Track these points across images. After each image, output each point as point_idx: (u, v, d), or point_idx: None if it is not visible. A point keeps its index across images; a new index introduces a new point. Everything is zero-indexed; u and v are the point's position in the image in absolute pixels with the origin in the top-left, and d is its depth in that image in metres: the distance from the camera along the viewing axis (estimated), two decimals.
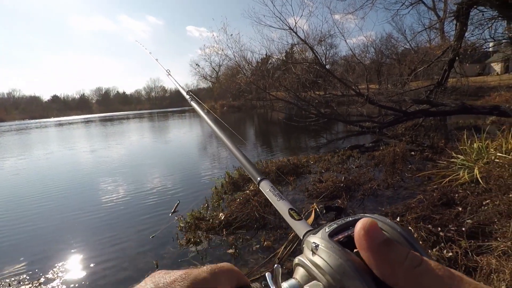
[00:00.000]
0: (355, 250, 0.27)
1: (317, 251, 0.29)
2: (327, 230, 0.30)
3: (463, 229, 2.82)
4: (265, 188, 0.53)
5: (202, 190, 5.34)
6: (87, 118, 58.62)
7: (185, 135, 16.62)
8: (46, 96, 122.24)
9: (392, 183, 4.67)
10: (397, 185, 4.63)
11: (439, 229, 2.90)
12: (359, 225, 0.27)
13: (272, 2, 10.30)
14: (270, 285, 0.31)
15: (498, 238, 2.52)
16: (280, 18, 10.63)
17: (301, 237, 0.36)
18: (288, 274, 0.36)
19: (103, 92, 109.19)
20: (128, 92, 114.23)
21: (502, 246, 2.35)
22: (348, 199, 4.22)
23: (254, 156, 8.17)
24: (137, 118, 41.64)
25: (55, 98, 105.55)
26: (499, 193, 3.21)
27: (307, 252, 0.30)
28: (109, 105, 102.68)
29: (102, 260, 3.27)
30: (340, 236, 0.30)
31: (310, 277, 0.29)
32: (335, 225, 0.31)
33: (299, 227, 0.41)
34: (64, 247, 3.63)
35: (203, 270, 0.30)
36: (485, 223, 2.84)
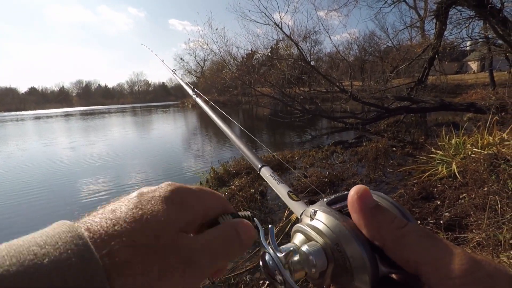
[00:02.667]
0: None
1: (315, 216, 0.30)
2: (325, 200, 0.32)
3: (441, 222, 2.93)
4: (266, 174, 0.58)
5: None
6: (66, 111, 56.66)
7: (170, 131, 16.37)
8: (23, 88, 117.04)
9: (374, 178, 4.78)
10: (379, 180, 4.75)
11: (419, 222, 2.99)
12: (353, 191, 0.29)
13: None
14: (262, 241, 0.32)
15: (474, 230, 2.63)
16: (265, 14, 10.61)
17: (299, 216, 0.37)
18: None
19: (83, 85, 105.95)
20: (110, 85, 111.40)
21: (477, 237, 2.45)
22: (332, 194, 4.28)
23: (239, 152, 8.15)
24: (120, 112, 40.63)
25: (32, 90, 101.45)
26: (474, 187, 3.34)
27: (306, 219, 0.32)
28: (90, 99, 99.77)
29: None
30: (337, 206, 0.31)
31: (308, 240, 0.30)
32: (333, 196, 0.33)
33: (297, 207, 0.43)
34: None
35: (192, 185, 0.30)
36: (461, 216, 2.95)
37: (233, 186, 4.57)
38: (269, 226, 0.32)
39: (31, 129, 22.83)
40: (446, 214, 3.07)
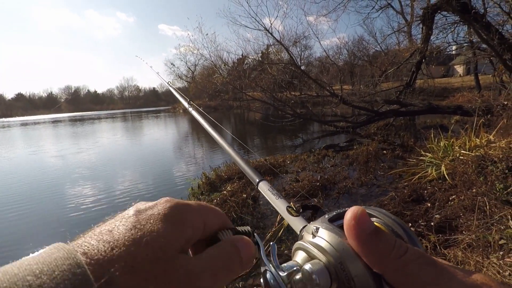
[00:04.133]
0: None
1: (318, 233, 0.30)
2: (326, 216, 0.31)
3: (432, 224, 2.95)
4: (264, 188, 0.57)
5: (178, 191, 5.23)
6: (55, 118, 55.62)
7: (161, 136, 16.22)
8: (9, 94, 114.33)
9: (365, 181, 4.81)
10: (370, 183, 4.78)
11: (410, 224, 3.01)
12: (348, 214, 0.27)
13: (247, 2, 10.27)
14: (263, 257, 0.31)
15: (464, 232, 2.66)
16: (255, 19, 10.65)
17: (299, 232, 0.37)
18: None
19: (72, 91, 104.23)
20: (99, 91, 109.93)
21: (467, 239, 2.48)
22: (324, 198, 4.29)
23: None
24: (110, 118, 40.10)
25: (19, 97, 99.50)
26: (463, 188, 3.39)
27: (307, 236, 0.31)
28: (79, 105, 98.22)
29: None
30: (340, 222, 0.30)
31: (310, 258, 0.30)
32: (335, 213, 0.32)
33: (296, 223, 0.43)
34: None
35: (191, 201, 0.30)
36: (451, 218, 2.99)
37: (225, 192, 4.53)
38: (271, 243, 0.31)
39: (17, 136, 22.31)
40: (437, 216, 3.09)
